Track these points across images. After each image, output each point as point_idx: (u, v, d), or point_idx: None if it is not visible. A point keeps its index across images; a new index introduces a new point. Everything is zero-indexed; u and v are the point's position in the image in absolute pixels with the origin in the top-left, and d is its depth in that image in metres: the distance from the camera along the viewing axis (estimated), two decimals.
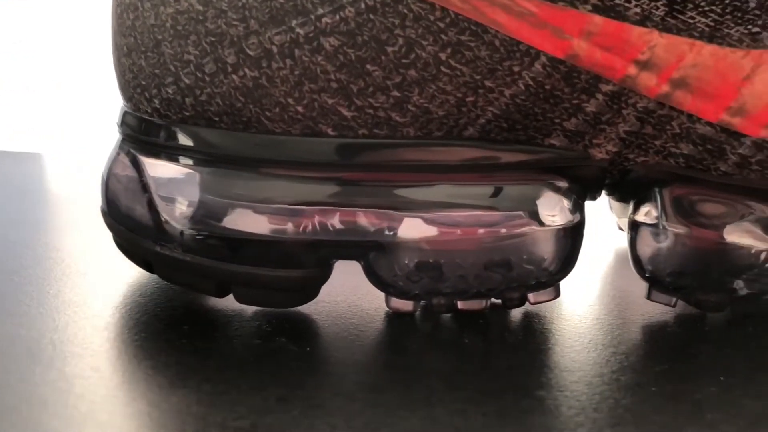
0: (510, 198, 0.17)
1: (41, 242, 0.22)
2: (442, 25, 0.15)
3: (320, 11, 0.15)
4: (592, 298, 0.19)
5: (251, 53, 0.16)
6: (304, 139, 0.16)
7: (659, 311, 0.18)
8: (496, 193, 0.17)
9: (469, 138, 0.16)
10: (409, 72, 0.16)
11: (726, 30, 0.15)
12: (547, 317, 0.18)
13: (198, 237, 0.17)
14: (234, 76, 0.16)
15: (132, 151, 0.18)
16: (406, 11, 0.15)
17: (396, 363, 0.16)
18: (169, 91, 0.17)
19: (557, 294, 0.18)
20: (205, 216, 0.16)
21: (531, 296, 0.17)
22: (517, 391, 0.14)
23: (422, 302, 0.17)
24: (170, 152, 0.17)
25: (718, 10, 0.15)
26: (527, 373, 0.15)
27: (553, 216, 0.17)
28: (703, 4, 0.15)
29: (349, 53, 0.16)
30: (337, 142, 0.16)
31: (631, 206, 0.18)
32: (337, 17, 0.15)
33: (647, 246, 0.18)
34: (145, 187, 0.17)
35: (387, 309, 0.17)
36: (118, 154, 0.18)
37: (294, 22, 0.16)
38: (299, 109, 0.16)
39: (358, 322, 0.17)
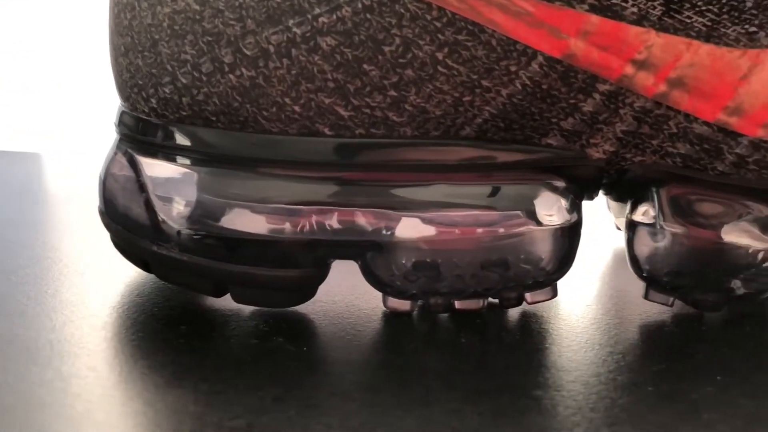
0: (507, 197, 0.17)
1: (39, 242, 0.22)
2: (438, 24, 0.15)
3: (317, 11, 0.15)
4: (590, 298, 0.19)
5: (248, 53, 0.16)
6: (301, 138, 0.16)
7: (656, 311, 0.18)
8: (494, 192, 0.17)
9: (466, 138, 0.16)
10: (406, 72, 0.16)
11: (723, 30, 0.15)
12: (545, 317, 0.18)
13: (195, 237, 0.17)
14: (231, 76, 0.16)
15: (129, 150, 0.18)
16: (402, 11, 0.15)
17: (393, 363, 0.16)
18: (166, 90, 0.17)
19: (554, 294, 0.18)
20: (202, 216, 0.16)
21: (528, 296, 0.17)
22: (513, 390, 0.14)
23: (419, 302, 0.17)
24: (167, 152, 0.17)
25: (715, 10, 0.15)
26: (524, 373, 0.15)
27: (550, 216, 0.17)
28: (699, 3, 0.15)
29: (346, 53, 0.16)
30: (334, 141, 0.16)
31: (628, 206, 0.18)
32: (334, 17, 0.15)
33: (644, 245, 0.18)
34: (142, 187, 0.17)
35: (384, 309, 0.17)
36: (115, 153, 0.18)
37: (291, 22, 0.16)
38: (296, 108, 0.16)
39: (355, 322, 0.17)
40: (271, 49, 0.16)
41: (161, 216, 0.17)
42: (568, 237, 0.17)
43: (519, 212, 0.17)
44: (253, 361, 0.15)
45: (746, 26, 0.15)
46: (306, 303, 0.17)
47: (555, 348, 0.16)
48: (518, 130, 0.16)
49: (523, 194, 0.17)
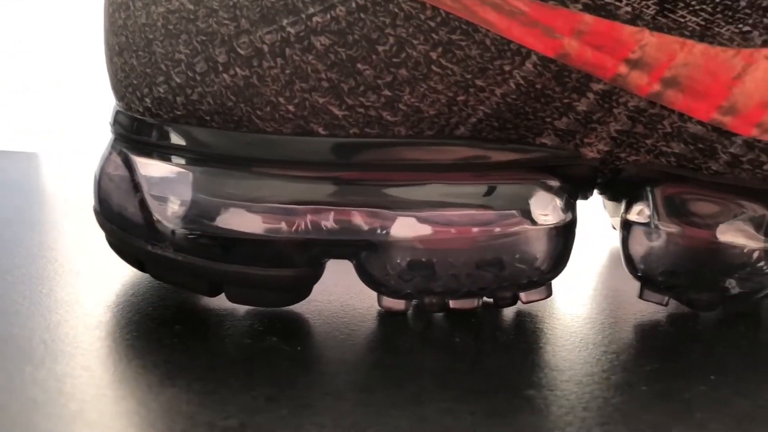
0: (503, 197, 0.17)
1: (35, 241, 0.22)
2: (432, 24, 0.15)
3: (311, 10, 0.15)
4: (584, 297, 0.19)
5: (242, 52, 0.16)
6: (295, 138, 0.16)
7: (651, 310, 0.18)
8: (489, 192, 0.17)
9: (461, 137, 0.16)
10: (400, 71, 0.16)
11: (717, 29, 0.15)
12: (539, 316, 0.18)
13: (190, 236, 0.17)
14: (225, 75, 0.16)
15: (124, 150, 0.18)
16: (396, 10, 0.15)
17: (387, 362, 0.16)
18: (161, 90, 0.17)
19: (549, 293, 0.18)
20: (197, 215, 0.16)
21: (523, 295, 0.17)
22: (507, 390, 0.14)
23: (414, 301, 0.17)
24: (162, 151, 0.17)
25: (709, 9, 0.15)
26: (518, 372, 0.15)
27: (545, 215, 0.17)
28: (693, 3, 0.15)
29: (339, 52, 0.16)
30: (329, 141, 0.16)
31: (623, 205, 0.18)
32: (328, 16, 0.15)
33: (639, 245, 0.18)
34: (136, 187, 0.17)
35: (379, 308, 0.17)
36: (110, 153, 0.18)
37: (285, 21, 0.16)
38: (290, 108, 0.16)
39: (349, 322, 0.17)
40: (265, 48, 0.16)
41: (156, 216, 0.17)
42: (563, 236, 0.17)
43: (514, 212, 0.17)
44: (246, 361, 0.15)
45: (740, 25, 0.15)
46: (301, 302, 0.17)
47: (549, 347, 0.16)
48: (512, 130, 0.16)
49: (518, 194, 0.17)
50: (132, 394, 0.14)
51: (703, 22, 0.15)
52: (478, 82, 0.16)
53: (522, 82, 0.16)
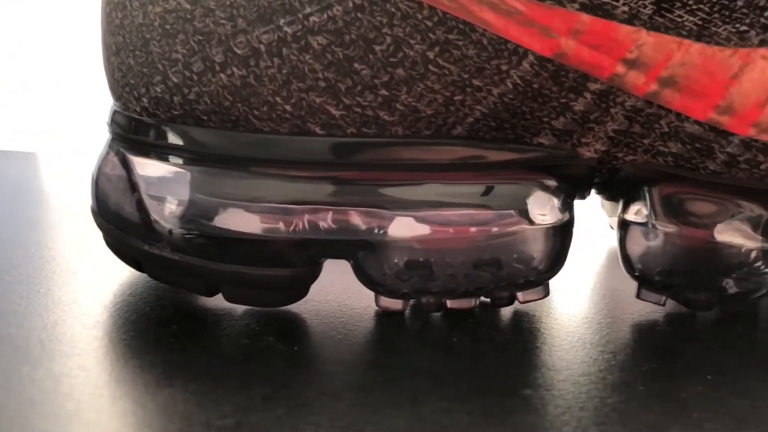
0: (500, 197, 0.17)
1: (33, 241, 0.22)
2: (429, 23, 0.15)
3: (308, 10, 0.15)
4: (582, 297, 0.19)
5: (239, 52, 0.16)
6: (292, 138, 0.16)
7: (649, 310, 0.18)
8: (487, 191, 0.17)
9: (458, 137, 0.16)
10: (397, 71, 0.16)
11: (714, 28, 0.15)
12: (536, 316, 0.18)
13: (187, 236, 0.17)
14: (222, 75, 0.16)
15: (121, 150, 0.18)
16: (393, 10, 0.15)
17: (384, 362, 0.16)
18: (158, 89, 0.17)
19: (546, 293, 0.18)
20: (194, 215, 0.16)
21: (520, 295, 0.17)
22: (503, 390, 0.14)
23: (411, 301, 0.17)
24: (159, 151, 0.17)
25: (706, 9, 0.15)
26: (514, 372, 0.15)
27: (543, 215, 0.17)
28: (690, 2, 0.15)
29: (336, 52, 0.16)
30: (326, 141, 0.16)
31: (620, 205, 0.18)
32: (325, 16, 0.15)
33: (637, 245, 0.18)
34: (134, 186, 0.17)
35: (376, 308, 0.17)
36: (107, 153, 0.18)
37: (282, 21, 0.16)
38: (287, 107, 0.16)
39: (347, 321, 0.17)
40: (262, 48, 0.16)
41: (153, 215, 0.17)
42: (561, 236, 0.17)
43: (512, 211, 0.17)
44: (243, 361, 0.15)
45: (737, 25, 0.15)
46: (298, 302, 0.17)
47: (546, 347, 0.16)
48: (510, 130, 0.16)
49: (516, 193, 0.17)
50: (129, 393, 0.14)
51: (700, 22, 0.15)
52: (475, 82, 0.16)
53: (519, 81, 0.16)
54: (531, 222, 0.17)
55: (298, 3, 0.15)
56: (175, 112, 0.17)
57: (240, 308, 0.17)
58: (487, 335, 0.17)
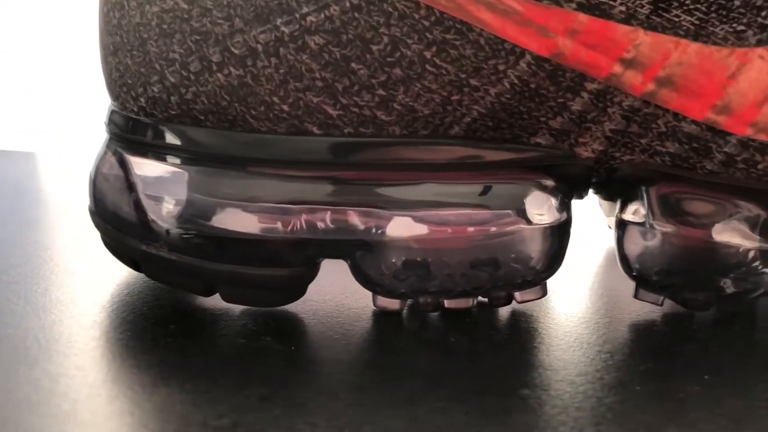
0: (498, 196, 0.17)
1: (31, 241, 0.22)
2: (426, 23, 0.15)
3: (305, 10, 0.15)
4: (580, 297, 0.19)
5: (236, 52, 0.16)
6: (289, 137, 0.16)
7: (646, 310, 0.18)
8: (485, 191, 0.17)
9: (455, 137, 0.16)
10: (394, 70, 0.16)
11: (711, 28, 0.15)
12: (534, 316, 0.18)
13: (184, 236, 0.17)
14: (219, 75, 0.16)
15: (119, 150, 0.18)
16: (390, 10, 0.15)
17: (381, 362, 0.16)
18: (155, 89, 0.17)
19: (544, 293, 0.18)
20: (192, 215, 0.16)
21: (518, 295, 0.17)
22: (500, 389, 0.14)
23: (409, 301, 0.17)
24: (157, 151, 0.17)
25: (703, 9, 0.15)
26: (511, 372, 0.15)
27: (541, 215, 0.17)
28: (687, 2, 0.15)
29: (334, 52, 0.16)
30: (323, 140, 0.16)
31: (618, 205, 0.18)
32: (322, 16, 0.15)
33: (634, 244, 0.18)
34: (131, 186, 0.17)
35: (374, 308, 0.17)
36: (105, 153, 0.18)
37: (279, 21, 0.16)
38: (284, 107, 0.16)
39: (344, 321, 0.17)
40: (260, 48, 0.16)
41: (150, 215, 0.17)
42: (558, 236, 0.17)
43: (509, 211, 0.17)
44: (240, 361, 0.15)
45: (734, 25, 0.15)
46: (296, 302, 0.17)
47: (543, 347, 0.16)
48: (507, 129, 0.16)
49: (514, 193, 0.17)
50: (125, 394, 0.14)
51: (697, 22, 0.15)
52: (473, 82, 0.16)
53: (516, 81, 0.16)
54: (528, 222, 0.17)
55: (295, 3, 0.15)
56: (173, 112, 0.17)
57: (237, 308, 0.17)
58: (485, 335, 0.17)
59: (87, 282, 0.19)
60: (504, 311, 0.18)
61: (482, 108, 0.16)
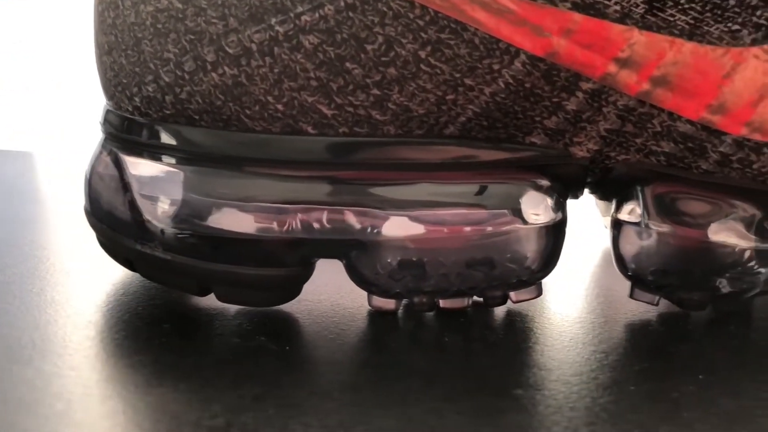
0: (493, 196, 0.17)
1: (27, 240, 0.22)
2: (421, 23, 0.15)
3: (299, 9, 0.15)
4: (575, 297, 0.19)
5: (230, 51, 0.16)
6: (284, 137, 0.16)
7: (642, 310, 0.18)
8: (480, 191, 0.17)
9: (450, 136, 0.16)
10: (389, 70, 0.16)
11: (706, 28, 0.15)
12: (529, 316, 0.18)
13: (179, 236, 0.17)
14: (213, 74, 0.16)
15: (114, 149, 0.18)
16: (385, 9, 0.15)
17: (375, 362, 0.16)
18: (150, 89, 0.17)
19: (539, 292, 0.17)
20: (187, 215, 0.16)
21: (513, 295, 0.17)
22: (494, 389, 0.14)
23: (404, 301, 0.17)
24: (152, 151, 0.17)
25: (698, 8, 0.15)
26: (506, 372, 0.15)
27: (536, 214, 0.17)
28: (682, 1, 0.15)
29: (328, 51, 0.16)
30: (318, 140, 0.16)
31: (613, 205, 0.18)
32: (317, 15, 0.15)
33: (630, 244, 0.18)
34: (126, 186, 0.17)
35: (369, 308, 0.17)
36: (100, 152, 0.18)
37: (273, 20, 0.16)
38: (279, 107, 0.16)
39: (339, 321, 0.17)
40: (254, 47, 0.16)
41: (145, 215, 0.17)
42: (554, 236, 0.17)
43: (505, 211, 0.17)
44: (234, 360, 0.15)
45: (729, 24, 0.15)
46: (291, 302, 0.17)
47: (538, 347, 0.16)
48: (502, 129, 0.16)
49: (509, 193, 0.17)
50: (119, 393, 0.14)
51: (692, 21, 0.15)
52: (467, 81, 0.16)
53: (511, 81, 0.16)
54: (524, 221, 0.17)
55: (289, 2, 0.15)
56: (167, 112, 0.17)
57: (232, 308, 0.17)
58: (480, 335, 0.17)
59: (82, 282, 0.19)
60: (499, 311, 0.18)
61: (477, 107, 0.16)
